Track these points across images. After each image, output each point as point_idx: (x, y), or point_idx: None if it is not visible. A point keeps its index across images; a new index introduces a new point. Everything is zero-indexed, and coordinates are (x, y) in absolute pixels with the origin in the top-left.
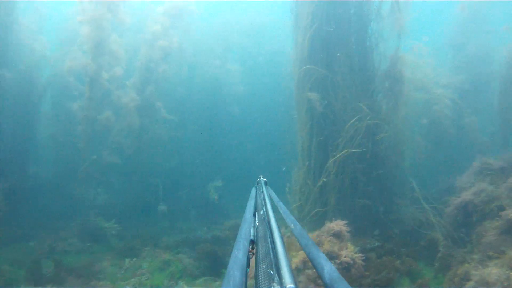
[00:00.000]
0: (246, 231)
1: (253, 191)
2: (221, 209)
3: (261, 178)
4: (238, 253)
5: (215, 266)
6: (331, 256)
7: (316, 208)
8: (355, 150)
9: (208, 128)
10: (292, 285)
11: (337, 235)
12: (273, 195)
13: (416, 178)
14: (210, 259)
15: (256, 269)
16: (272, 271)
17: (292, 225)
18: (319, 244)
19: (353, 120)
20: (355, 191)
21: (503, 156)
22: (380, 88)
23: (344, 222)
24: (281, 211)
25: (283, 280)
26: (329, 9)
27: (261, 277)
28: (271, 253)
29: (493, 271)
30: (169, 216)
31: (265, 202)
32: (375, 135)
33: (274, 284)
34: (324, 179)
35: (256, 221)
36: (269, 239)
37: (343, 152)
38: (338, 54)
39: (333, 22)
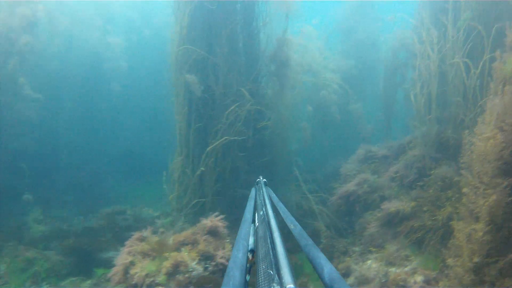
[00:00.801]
0: (246, 231)
1: (253, 191)
2: (102, 193)
3: (261, 178)
4: (238, 253)
5: (86, 263)
6: (206, 257)
7: (195, 198)
8: (235, 138)
9: (86, 106)
10: (292, 285)
11: (213, 233)
12: (273, 195)
13: (304, 163)
14: (80, 255)
15: (256, 269)
16: (272, 271)
17: (291, 225)
18: (194, 243)
19: (233, 106)
20: (237, 180)
21: (386, 144)
22: (266, 72)
23: (220, 217)
24: (280, 211)
25: (283, 280)
26: None
27: (261, 277)
28: (271, 253)
29: (372, 266)
30: (41, 203)
31: (264, 203)
32: (258, 121)
33: (274, 284)
34: (203, 168)
35: (256, 221)
36: (268, 239)
37: (222, 139)
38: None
39: None
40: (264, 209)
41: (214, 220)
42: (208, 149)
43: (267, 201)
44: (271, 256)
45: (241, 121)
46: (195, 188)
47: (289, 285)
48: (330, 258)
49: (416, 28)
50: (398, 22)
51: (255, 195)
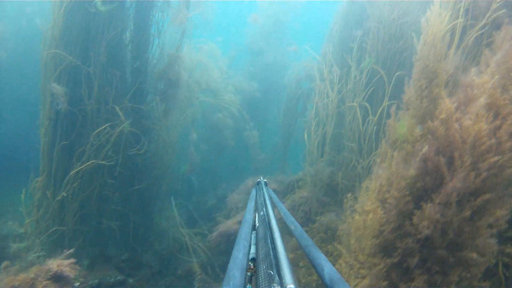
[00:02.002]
0: (246, 231)
1: (253, 191)
2: None
3: (261, 179)
4: (238, 254)
5: None
6: None
7: (54, 226)
8: (103, 162)
9: None
10: (292, 286)
11: (58, 278)
12: (274, 196)
13: (197, 187)
14: None
15: (256, 269)
16: (272, 272)
17: (292, 226)
18: None
19: (105, 126)
20: (104, 210)
21: (277, 178)
22: (152, 89)
23: (70, 261)
24: (281, 212)
25: (283, 281)
26: None
27: (261, 277)
28: (271, 254)
29: None
30: None
31: (265, 203)
32: (134, 144)
33: (274, 284)
34: (64, 194)
35: (256, 222)
36: (269, 239)
37: (88, 163)
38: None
39: None
40: (264, 210)
41: (61, 265)
42: (72, 172)
43: (268, 202)
44: (272, 257)
45: (111, 143)
46: (54, 214)
47: (289, 286)
48: None
49: (320, 63)
50: (309, 51)
51: (256, 195)
